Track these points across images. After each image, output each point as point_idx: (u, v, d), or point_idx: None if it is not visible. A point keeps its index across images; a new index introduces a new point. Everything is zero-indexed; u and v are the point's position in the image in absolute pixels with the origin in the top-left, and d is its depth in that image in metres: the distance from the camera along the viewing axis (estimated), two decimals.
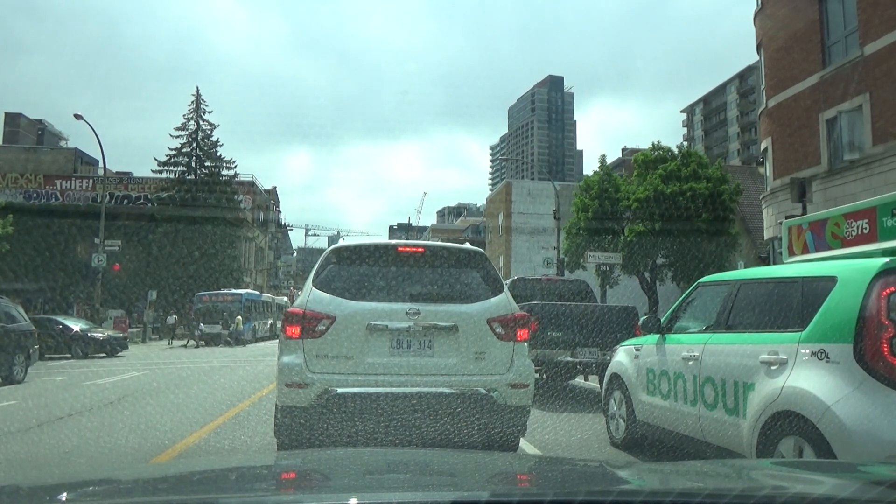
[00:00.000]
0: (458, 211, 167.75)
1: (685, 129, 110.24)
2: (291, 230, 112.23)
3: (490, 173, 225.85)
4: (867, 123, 17.30)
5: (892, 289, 4.01)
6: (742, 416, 4.81)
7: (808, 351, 4.34)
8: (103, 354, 23.03)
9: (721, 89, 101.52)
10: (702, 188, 26.02)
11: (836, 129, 18.45)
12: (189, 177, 48.65)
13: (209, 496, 1.87)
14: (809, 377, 4.24)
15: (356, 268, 5.66)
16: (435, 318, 5.35)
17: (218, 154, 50.09)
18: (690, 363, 5.59)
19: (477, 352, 5.39)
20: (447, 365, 5.33)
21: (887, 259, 4.20)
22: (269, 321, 41.66)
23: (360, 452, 3.37)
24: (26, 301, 36.79)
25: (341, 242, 6.38)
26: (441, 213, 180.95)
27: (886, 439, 3.75)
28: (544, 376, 11.18)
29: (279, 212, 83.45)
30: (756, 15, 23.18)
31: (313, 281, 5.52)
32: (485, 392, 5.28)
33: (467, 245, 6.15)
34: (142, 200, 50.25)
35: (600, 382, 9.23)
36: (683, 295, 6.57)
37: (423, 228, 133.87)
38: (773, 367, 4.57)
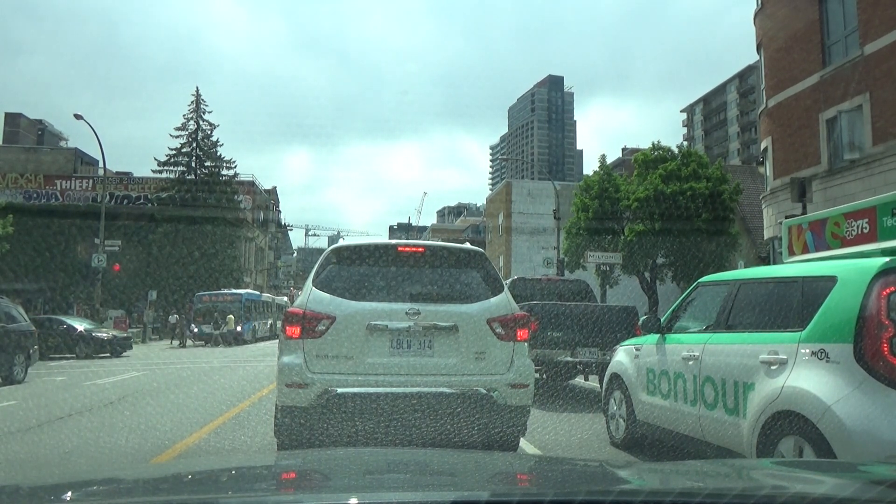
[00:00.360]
0: (458, 211, 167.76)
1: (685, 128, 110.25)
2: (291, 230, 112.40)
3: (490, 173, 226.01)
4: (867, 123, 17.30)
5: (892, 289, 4.01)
6: (742, 415, 4.81)
7: (808, 351, 4.34)
8: (108, 354, 22.99)
9: (721, 89, 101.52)
10: (702, 188, 26.02)
11: (836, 128, 18.45)
12: (189, 177, 48.65)
13: (209, 496, 1.87)
14: (809, 377, 4.24)
15: (356, 268, 5.66)
16: (435, 318, 5.35)
17: (218, 154, 50.10)
18: (690, 363, 5.59)
19: (477, 352, 5.39)
20: (447, 365, 5.33)
21: (887, 259, 4.20)
22: (269, 321, 41.63)
23: (360, 452, 3.37)
24: (26, 301, 36.78)
25: (341, 242, 6.37)
26: (441, 213, 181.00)
27: (886, 439, 3.75)
28: (544, 376, 11.18)
29: (279, 212, 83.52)
30: (756, 15, 23.18)
31: (313, 281, 5.52)
32: (485, 392, 5.28)
33: (467, 245, 6.15)
34: (142, 200, 50.26)
35: (600, 382, 9.23)
36: (683, 295, 6.57)
37: (423, 228, 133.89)
38: (773, 367, 4.57)
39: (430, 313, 5.35)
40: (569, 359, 10.74)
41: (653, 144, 28.88)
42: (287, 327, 5.39)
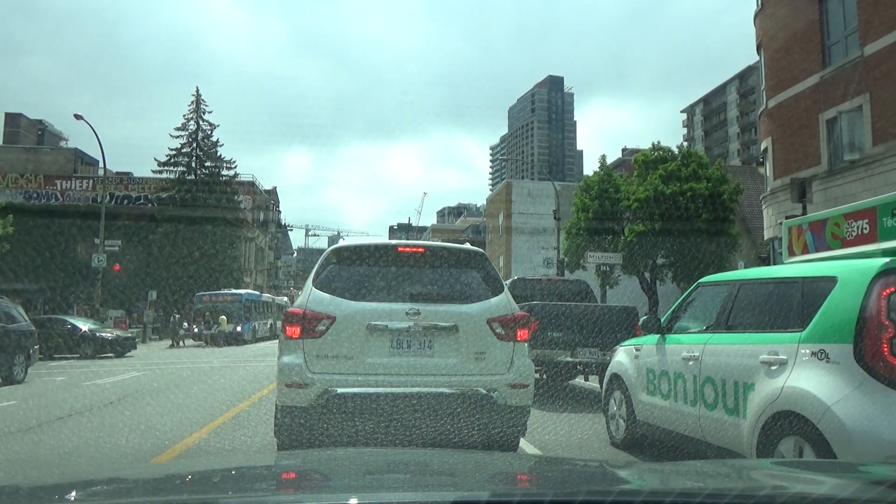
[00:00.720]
0: (458, 211, 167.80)
1: (685, 129, 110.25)
2: (291, 230, 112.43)
3: (490, 173, 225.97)
4: (867, 123, 17.30)
5: (892, 289, 4.01)
6: (742, 416, 4.81)
7: (808, 351, 4.34)
8: (111, 354, 22.94)
9: (721, 89, 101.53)
10: (702, 188, 26.02)
11: (836, 129, 18.45)
12: (189, 177, 48.67)
13: (209, 496, 1.87)
14: (809, 377, 4.24)
15: (356, 268, 5.66)
16: (435, 319, 5.35)
17: (218, 154, 50.12)
18: (690, 363, 5.59)
19: (477, 352, 5.39)
20: (447, 365, 5.33)
21: (887, 259, 4.20)
22: (269, 321, 41.65)
23: (360, 452, 3.37)
24: (26, 301, 36.78)
25: (341, 243, 6.37)
26: (441, 214, 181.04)
27: (886, 439, 3.75)
28: (544, 376, 11.18)
29: (279, 212, 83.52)
30: (756, 15, 23.18)
31: (313, 281, 5.52)
32: (485, 392, 5.29)
33: (467, 245, 6.15)
34: (142, 200, 50.27)
35: (600, 382, 9.23)
36: (683, 295, 6.57)
37: (423, 228, 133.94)
38: (773, 368, 4.57)
39: (430, 313, 5.35)
40: (569, 359, 10.74)
41: (653, 145, 28.89)
42: (287, 327, 5.39)
